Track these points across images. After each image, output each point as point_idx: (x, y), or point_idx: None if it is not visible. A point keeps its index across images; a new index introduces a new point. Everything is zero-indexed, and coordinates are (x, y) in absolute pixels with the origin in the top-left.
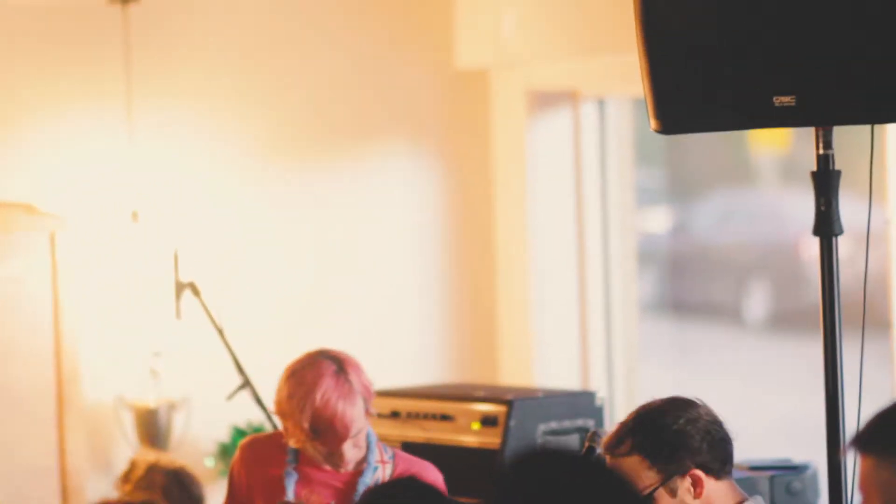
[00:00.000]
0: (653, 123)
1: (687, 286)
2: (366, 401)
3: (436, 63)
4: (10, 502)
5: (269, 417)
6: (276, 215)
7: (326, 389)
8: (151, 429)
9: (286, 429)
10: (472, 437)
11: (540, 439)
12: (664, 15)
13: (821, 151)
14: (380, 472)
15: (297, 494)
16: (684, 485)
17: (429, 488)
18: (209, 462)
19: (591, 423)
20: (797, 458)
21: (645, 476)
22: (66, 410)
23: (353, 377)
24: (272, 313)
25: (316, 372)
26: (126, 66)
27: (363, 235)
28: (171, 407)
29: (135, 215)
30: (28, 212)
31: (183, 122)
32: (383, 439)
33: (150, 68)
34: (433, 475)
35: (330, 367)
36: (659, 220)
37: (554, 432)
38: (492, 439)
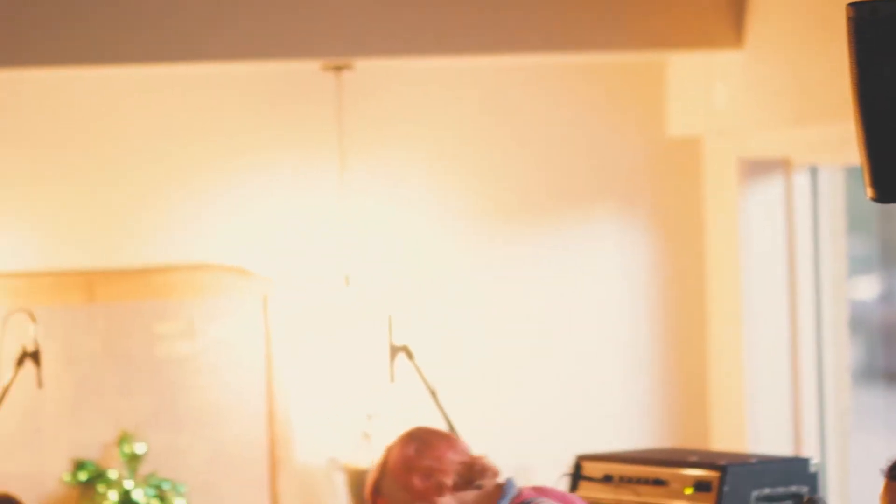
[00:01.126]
0: (869, 192)
1: None
2: (399, 475)
3: (648, 131)
4: None
5: None
6: (488, 279)
7: None
8: (363, 490)
9: None
10: (684, 502)
11: None
12: (881, 82)
13: None
14: None
15: None
16: None
17: None
18: None
19: (804, 490)
20: None
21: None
22: (279, 472)
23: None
24: (484, 376)
25: None
26: (339, 130)
27: (574, 301)
28: None
29: (346, 279)
30: (241, 275)
31: (394, 186)
32: None
33: (363, 133)
34: None
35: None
36: (869, 288)
37: (768, 498)
38: None
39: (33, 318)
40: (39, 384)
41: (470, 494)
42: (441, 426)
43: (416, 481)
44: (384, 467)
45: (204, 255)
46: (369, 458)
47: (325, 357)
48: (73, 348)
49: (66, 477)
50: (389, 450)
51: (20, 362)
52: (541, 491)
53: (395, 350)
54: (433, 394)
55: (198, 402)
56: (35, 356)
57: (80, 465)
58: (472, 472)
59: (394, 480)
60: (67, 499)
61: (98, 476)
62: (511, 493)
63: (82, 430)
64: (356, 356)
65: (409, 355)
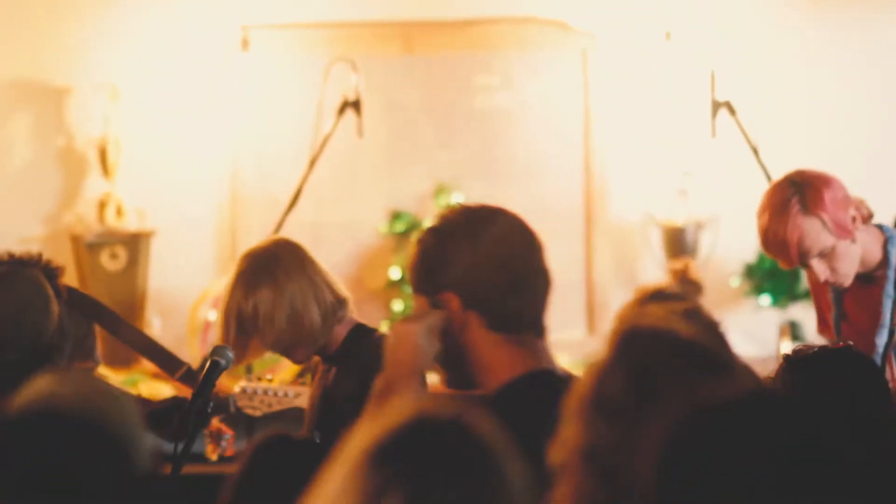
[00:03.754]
0: None
1: None
2: (826, 220)
3: None
4: None
5: None
6: (811, 34)
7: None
8: (678, 247)
9: None
10: None
11: None
12: None
13: None
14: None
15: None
16: None
17: None
18: (734, 281)
19: None
20: None
21: None
22: (595, 226)
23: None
24: (805, 134)
25: None
26: None
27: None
28: (699, 226)
29: (668, 35)
30: (562, 29)
31: None
32: None
33: None
34: None
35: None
36: None
37: None
38: None
39: (355, 68)
40: (360, 133)
41: (862, 229)
42: (762, 185)
43: (842, 216)
44: (806, 209)
45: (526, 8)
46: (685, 213)
47: (644, 112)
48: (391, 99)
49: (383, 227)
50: (808, 190)
51: (341, 111)
52: None
53: (716, 106)
54: (755, 151)
55: (515, 154)
56: (356, 105)
57: (396, 216)
58: (868, 208)
59: (823, 218)
60: (383, 248)
61: (414, 227)
62: (891, 232)
63: (399, 181)
64: (676, 112)
65: (732, 111)
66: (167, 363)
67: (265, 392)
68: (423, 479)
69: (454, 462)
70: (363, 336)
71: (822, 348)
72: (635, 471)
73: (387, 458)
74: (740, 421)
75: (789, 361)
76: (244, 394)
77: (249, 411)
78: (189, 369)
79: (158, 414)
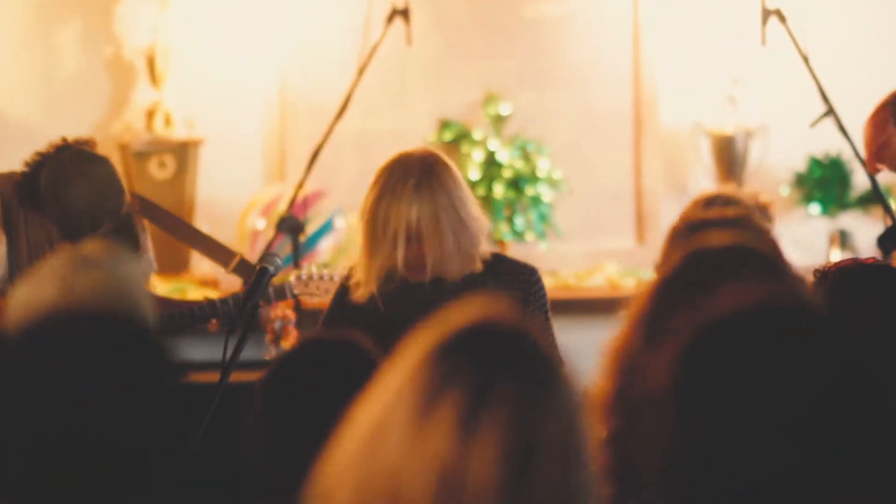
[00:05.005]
0: None
1: None
2: None
3: None
4: (589, 223)
5: (853, 146)
6: None
7: None
8: (727, 155)
9: None
10: None
11: None
12: None
13: None
14: None
15: None
16: None
17: None
18: (784, 190)
19: None
20: None
21: None
22: (644, 135)
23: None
24: (857, 41)
25: None
26: None
27: None
28: (749, 134)
29: None
30: None
31: None
32: None
33: None
34: None
35: None
36: None
37: None
38: None
39: None
40: (409, 42)
41: None
42: (811, 93)
43: None
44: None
45: None
46: (734, 122)
47: (694, 20)
48: (440, 8)
49: (432, 136)
50: None
51: (390, 20)
52: None
53: (766, 13)
54: (805, 59)
55: (564, 63)
56: (405, 14)
57: (445, 125)
58: None
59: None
60: None
61: (463, 136)
62: None
63: (448, 90)
64: (726, 19)
65: (782, 18)
66: (221, 256)
67: (321, 277)
68: (486, 372)
69: (517, 361)
70: (502, 255)
71: (853, 260)
72: (655, 376)
73: (451, 352)
74: (769, 328)
75: (819, 276)
76: (300, 281)
77: (306, 298)
78: (242, 260)
79: (185, 316)
